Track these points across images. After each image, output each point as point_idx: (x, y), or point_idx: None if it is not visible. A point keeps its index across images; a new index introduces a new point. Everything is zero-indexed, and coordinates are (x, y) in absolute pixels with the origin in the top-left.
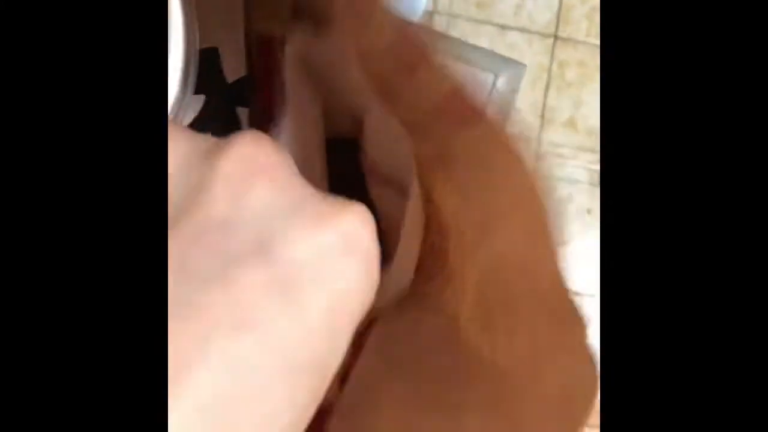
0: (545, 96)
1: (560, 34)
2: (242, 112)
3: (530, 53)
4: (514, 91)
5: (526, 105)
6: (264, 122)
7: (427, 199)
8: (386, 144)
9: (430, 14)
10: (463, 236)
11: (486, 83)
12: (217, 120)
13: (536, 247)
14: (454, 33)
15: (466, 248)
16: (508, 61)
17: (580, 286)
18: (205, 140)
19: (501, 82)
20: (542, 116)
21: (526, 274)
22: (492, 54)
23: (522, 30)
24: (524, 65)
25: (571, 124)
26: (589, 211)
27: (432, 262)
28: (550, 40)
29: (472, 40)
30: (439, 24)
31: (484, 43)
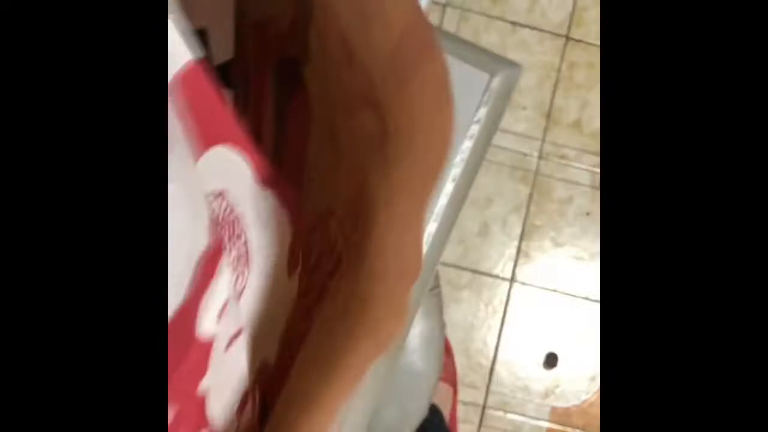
0: (553, 96)
1: (572, 35)
2: (227, 95)
3: (540, 52)
4: (508, 92)
5: (532, 104)
6: (249, 106)
7: (364, 184)
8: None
9: (443, 7)
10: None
11: (481, 82)
12: None
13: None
14: (466, 27)
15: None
16: (504, 62)
17: (577, 289)
18: None
19: (496, 82)
20: (548, 116)
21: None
22: (488, 53)
23: (534, 28)
24: (521, 67)
25: (576, 125)
26: (588, 214)
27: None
28: (562, 41)
29: (482, 35)
30: (452, 17)
31: (494, 38)
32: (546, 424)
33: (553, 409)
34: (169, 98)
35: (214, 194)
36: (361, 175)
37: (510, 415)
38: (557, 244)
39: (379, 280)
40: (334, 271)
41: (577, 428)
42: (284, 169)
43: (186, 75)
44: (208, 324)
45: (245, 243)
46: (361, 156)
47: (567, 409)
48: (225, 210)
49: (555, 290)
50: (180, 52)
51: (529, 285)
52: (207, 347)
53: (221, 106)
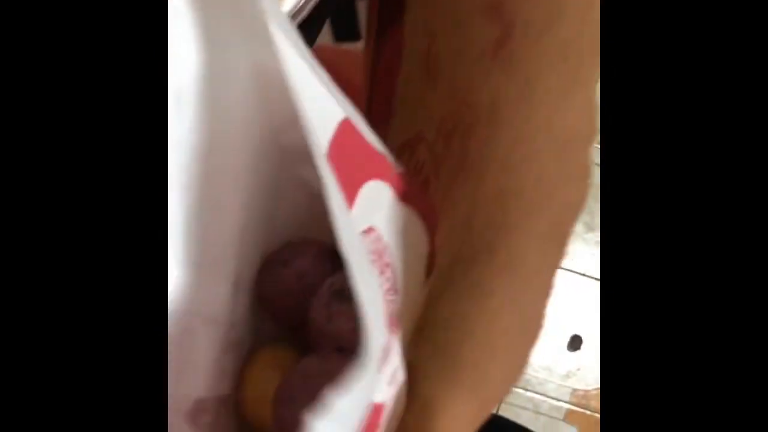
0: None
1: None
2: (361, 6)
3: None
4: None
5: None
6: (384, 15)
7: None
8: None
9: None
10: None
11: None
12: (337, 8)
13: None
14: None
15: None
16: None
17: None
18: None
19: None
20: None
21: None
22: None
23: None
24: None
25: None
26: None
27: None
28: None
29: None
30: None
31: None
32: (566, 406)
33: (574, 391)
34: (327, 162)
35: (362, 233)
36: (464, 88)
37: (530, 394)
38: (590, 228)
39: (535, 158)
40: None
41: (596, 412)
42: (374, 108)
43: (339, 132)
44: (380, 392)
45: (393, 270)
46: (466, 69)
47: (587, 392)
48: (374, 243)
49: (584, 274)
50: (331, 113)
51: (559, 267)
52: (381, 409)
53: (370, 147)
